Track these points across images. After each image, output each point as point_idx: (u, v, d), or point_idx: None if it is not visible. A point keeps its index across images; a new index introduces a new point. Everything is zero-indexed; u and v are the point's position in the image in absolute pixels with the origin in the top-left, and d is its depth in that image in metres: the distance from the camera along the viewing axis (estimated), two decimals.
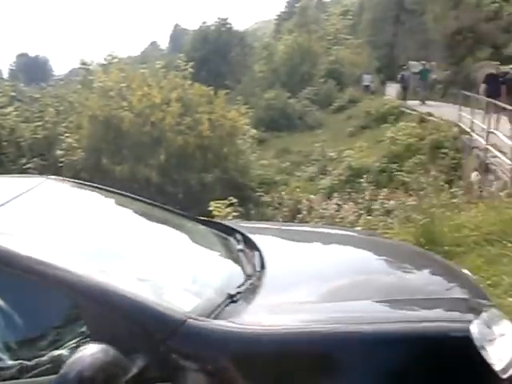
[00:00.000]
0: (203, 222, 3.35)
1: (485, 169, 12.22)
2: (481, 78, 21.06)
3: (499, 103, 12.95)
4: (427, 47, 43.10)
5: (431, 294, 2.52)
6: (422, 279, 2.80)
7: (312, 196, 14.37)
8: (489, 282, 4.97)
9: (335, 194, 14.08)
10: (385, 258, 3.06)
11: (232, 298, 2.23)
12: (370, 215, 10.92)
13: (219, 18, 62.50)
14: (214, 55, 57.30)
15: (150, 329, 1.96)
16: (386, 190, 14.10)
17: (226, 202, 8.66)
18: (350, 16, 62.50)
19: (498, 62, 17.38)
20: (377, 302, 2.32)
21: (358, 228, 8.45)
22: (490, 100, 13.65)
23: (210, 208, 8.41)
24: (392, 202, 11.47)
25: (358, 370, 1.95)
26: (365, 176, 15.80)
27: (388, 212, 10.93)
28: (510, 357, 2.10)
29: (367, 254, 3.13)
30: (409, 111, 25.02)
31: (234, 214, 8.53)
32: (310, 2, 77.83)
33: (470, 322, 2.11)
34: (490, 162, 12.16)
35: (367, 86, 38.96)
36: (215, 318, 2.06)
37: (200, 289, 2.37)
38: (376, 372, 1.95)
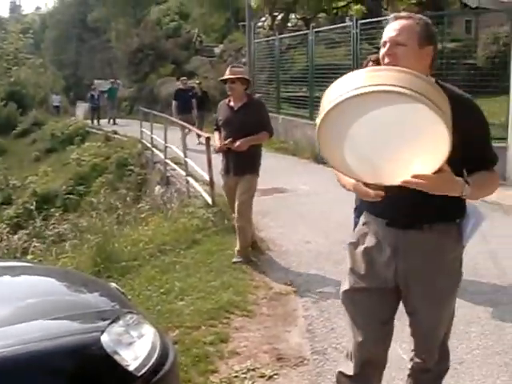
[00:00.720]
0: None
1: (166, 182, 12.25)
2: (165, 93, 21.73)
3: (177, 120, 13.24)
4: (112, 65, 43.37)
5: (71, 310, 2.60)
6: (62, 298, 2.88)
7: None
8: (162, 290, 5.34)
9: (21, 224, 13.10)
10: (27, 282, 3.13)
11: None
12: (43, 242, 10.27)
13: None
14: None
15: None
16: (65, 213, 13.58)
17: None
18: (30, 34, 59.76)
19: (185, 78, 17.64)
20: (18, 325, 2.37)
21: (29, 257, 8.24)
22: (165, 116, 13.78)
23: None
24: (67, 226, 10.86)
25: None
26: (34, 203, 14.64)
27: (73, 236, 10.35)
28: (144, 356, 2.38)
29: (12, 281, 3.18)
30: (94, 131, 24.50)
31: None
32: None
33: (102, 331, 2.34)
34: (170, 175, 12.23)
35: (57, 107, 37.13)
36: None
37: None
38: None
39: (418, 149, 2.01)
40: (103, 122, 26.10)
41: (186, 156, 9.89)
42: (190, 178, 9.60)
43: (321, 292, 5.16)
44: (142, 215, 9.20)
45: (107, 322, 2.43)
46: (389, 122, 1.96)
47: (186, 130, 12.74)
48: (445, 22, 15.46)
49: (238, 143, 5.80)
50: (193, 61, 30.58)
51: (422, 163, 2.04)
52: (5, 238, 10.60)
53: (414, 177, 2.04)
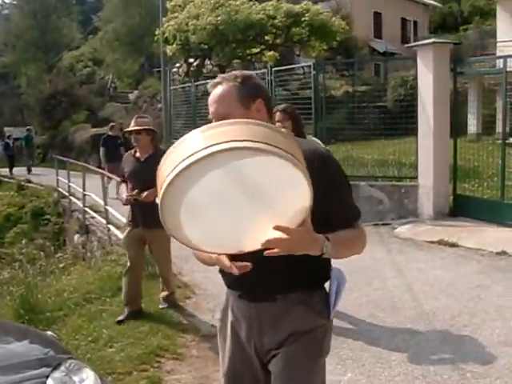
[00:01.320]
0: None
1: (86, 230, 12.12)
2: (79, 140, 21.42)
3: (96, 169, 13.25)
4: (23, 111, 42.35)
5: (11, 359, 2.71)
6: (5, 346, 2.98)
7: None
8: (90, 338, 5.36)
9: None
10: None
11: None
12: None
13: None
14: None
15: None
16: None
17: None
18: None
19: (114, 123, 17.33)
20: None
21: None
22: (82, 164, 13.72)
23: None
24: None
25: None
26: None
27: None
28: None
29: None
30: (6, 180, 23.81)
31: None
32: None
33: (46, 376, 2.53)
34: (89, 223, 12.12)
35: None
36: None
37: None
38: None
39: (273, 207, 1.77)
40: (18, 170, 25.08)
41: (106, 204, 9.89)
42: (110, 226, 9.60)
43: None
44: (61, 265, 9.13)
45: (50, 368, 2.59)
46: (238, 182, 1.69)
47: (106, 179, 12.60)
48: (355, 66, 16.44)
49: (145, 193, 5.76)
50: (107, 107, 30.50)
51: (280, 221, 1.80)
52: None
53: (276, 229, 1.79)
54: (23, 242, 12.61)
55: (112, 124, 16.34)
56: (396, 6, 33.70)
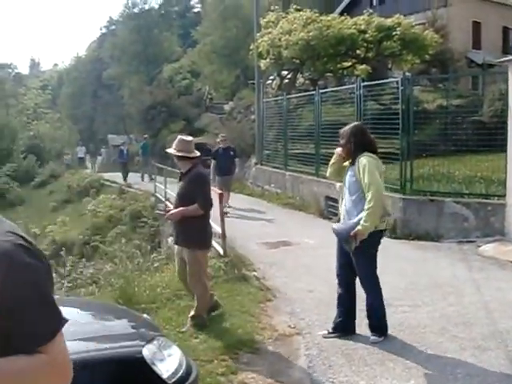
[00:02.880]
0: None
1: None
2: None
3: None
4: (125, 120, 44.62)
5: (118, 331, 3.45)
6: (110, 322, 3.74)
7: None
8: (177, 329, 5.88)
9: None
10: (80, 311, 3.82)
11: None
12: (71, 285, 11.01)
13: None
14: None
15: None
16: (87, 261, 14.21)
17: None
18: (49, 90, 61.80)
19: (224, 135, 17.46)
20: (78, 340, 2.94)
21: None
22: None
23: None
24: (91, 271, 11.54)
25: None
26: (64, 249, 15.36)
27: (91, 281, 11.06)
28: (174, 368, 3.14)
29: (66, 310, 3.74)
30: (108, 184, 25.33)
31: None
32: (8, 75, 75.08)
33: (142, 346, 3.08)
34: None
35: (81, 158, 38.60)
36: None
37: None
38: None
39: None
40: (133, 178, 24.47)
41: None
42: None
43: (321, 334, 5.73)
44: (156, 264, 9.80)
45: (144, 341, 3.17)
46: None
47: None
48: (449, 80, 16.17)
49: (169, 213, 5.95)
50: (203, 117, 31.57)
51: None
52: None
53: None
54: (123, 241, 13.51)
55: (222, 135, 15.41)
56: (497, 15, 31.89)
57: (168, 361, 3.17)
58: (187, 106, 33.20)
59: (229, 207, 13.53)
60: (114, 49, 48.11)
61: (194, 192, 5.80)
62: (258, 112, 18.91)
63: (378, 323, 5.53)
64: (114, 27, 59.26)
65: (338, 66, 17.45)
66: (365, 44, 16.59)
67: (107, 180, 26.31)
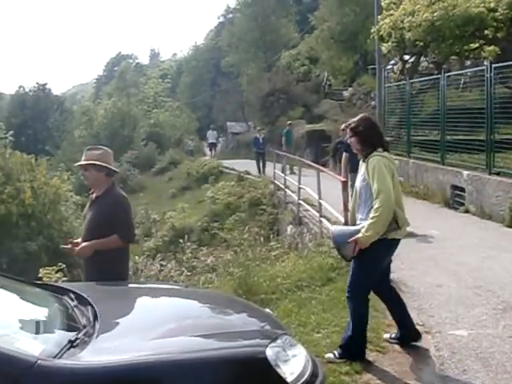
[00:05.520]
0: (39, 286, 4.04)
1: (298, 222, 12.74)
2: (295, 136, 21.83)
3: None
4: (243, 108, 45.18)
5: (239, 327, 3.25)
6: (231, 317, 3.55)
7: (137, 257, 14.09)
8: (298, 323, 5.68)
9: (158, 255, 14.20)
10: (200, 304, 3.81)
11: (72, 343, 2.77)
12: (191, 272, 11.19)
13: (37, 83, 60.79)
14: (32, 121, 55.67)
15: (4, 369, 2.44)
16: (205, 248, 14.43)
17: (55, 268, 9.42)
18: (168, 79, 63.91)
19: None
20: (198, 336, 2.92)
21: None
22: (299, 159, 14.07)
23: (40, 275, 8.86)
24: (211, 259, 11.69)
25: None
26: (186, 236, 15.75)
27: (209, 268, 11.21)
28: (300, 371, 2.86)
29: (186, 302, 3.86)
30: (227, 171, 25.68)
31: (64, 278, 9.01)
32: (129, 65, 78.56)
33: (266, 346, 2.83)
34: (302, 215, 12.72)
35: (213, 144, 36.62)
36: (60, 359, 2.60)
37: (45, 338, 2.93)
38: None
39: None
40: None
41: (320, 198, 10.35)
42: (323, 219, 10.05)
43: (453, 334, 5.35)
44: (275, 253, 9.76)
45: (268, 340, 2.91)
46: None
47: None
48: None
49: (78, 247, 4.88)
50: (322, 104, 31.24)
51: None
52: (154, 267, 11.62)
53: None
54: (244, 229, 13.61)
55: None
56: None
57: (293, 362, 2.91)
58: (306, 92, 33.01)
59: None
60: (232, 37, 48.69)
61: (113, 219, 4.78)
62: (380, 97, 18.32)
63: (345, 342, 4.83)
64: (231, 15, 60.07)
65: (465, 47, 16.45)
66: (494, 23, 15.49)
67: (226, 167, 26.72)
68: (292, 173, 18.01)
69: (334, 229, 5.09)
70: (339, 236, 4.81)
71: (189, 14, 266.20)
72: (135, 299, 3.92)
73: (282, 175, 15.57)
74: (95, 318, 3.15)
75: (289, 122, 24.00)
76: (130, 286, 5.07)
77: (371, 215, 4.52)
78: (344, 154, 10.34)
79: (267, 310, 4.03)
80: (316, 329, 5.54)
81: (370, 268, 4.72)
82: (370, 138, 4.76)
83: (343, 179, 8.49)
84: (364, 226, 4.56)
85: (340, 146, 11.37)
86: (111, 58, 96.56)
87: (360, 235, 4.53)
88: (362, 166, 4.82)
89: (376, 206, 4.50)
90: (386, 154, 4.80)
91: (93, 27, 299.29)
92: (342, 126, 11.53)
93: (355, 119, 4.92)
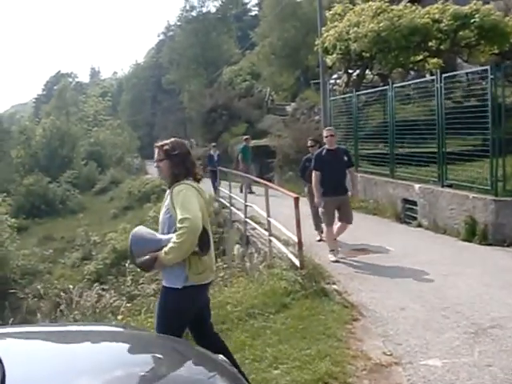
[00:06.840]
0: None
1: (246, 241, 12.10)
2: (238, 152, 20.95)
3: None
4: (185, 125, 44.60)
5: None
6: (181, 369, 2.66)
7: (71, 286, 13.09)
8: (253, 357, 5.09)
9: (96, 284, 13.28)
10: (138, 351, 2.84)
11: None
12: (131, 303, 10.26)
13: None
14: None
15: None
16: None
17: None
18: (109, 97, 62.76)
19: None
20: None
21: (120, 316, 8.07)
22: (246, 176, 13.49)
23: None
24: (153, 286, 10.84)
25: None
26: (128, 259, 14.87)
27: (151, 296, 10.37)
28: None
29: (118, 348, 2.90)
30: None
31: None
32: (68, 83, 76.93)
33: None
34: (250, 234, 12.08)
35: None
36: None
37: None
38: None
39: None
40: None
41: (269, 215, 9.67)
42: (272, 238, 9.39)
43: (426, 365, 4.78)
44: (221, 274, 9.10)
45: None
46: None
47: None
48: None
49: None
50: (265, 119, 30.92)
51: None
52: (92, 296, 10.73)
53: None
54: None
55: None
56: None
57: None
58: (248, 108, 32.64)
59: None
60: (173, 53, 48.25)
61: None
62: (325, 111, 17.98)
63: None
64: (171, 33, 59.75)
65: (410, 59, 16.32)
66: (439, 35, 15.41)
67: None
68: (251, 192, 16.41)
69: (134, 234, 4.13)
70: (137, 245, 4.03)
71: (129, 33, 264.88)
72: (50, 346, 2.95)
73: (234, 195, 14.84)
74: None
75: (245, 137, 21.87)
76: (43, 329, 3.76)
77: (174, 239, 3.83)
78: (314, 173, 9.03)
79: (220, 357, 3.21)
80: (273, 364, 4.93)
81: (171, 322, 4.04)
82: (185, 164, 4.16)
83: (295, 196, 7.77)
84: (168, 243, 3.87)
85: (308, 165, 9.98)
86: (51, 77, 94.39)
87: (161, 252, 3.88)
88: (167, 197, 4.12)
89: (180, 232, 3.81)
90: (193, 183, 4.15)
91: (32, 46, 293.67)
92: (309, 143, 10.95)
93: (167, 141, 4.26)
